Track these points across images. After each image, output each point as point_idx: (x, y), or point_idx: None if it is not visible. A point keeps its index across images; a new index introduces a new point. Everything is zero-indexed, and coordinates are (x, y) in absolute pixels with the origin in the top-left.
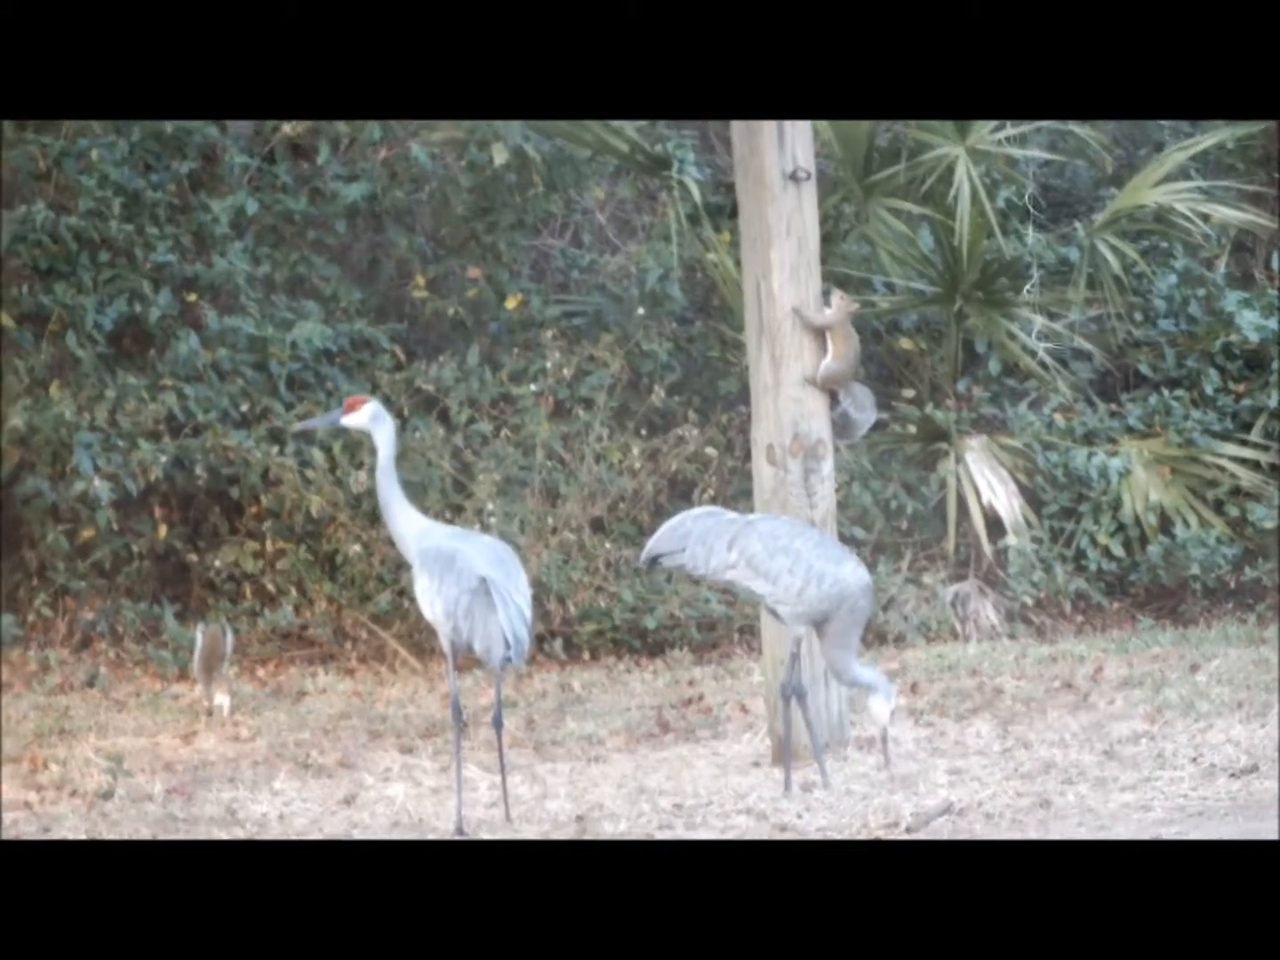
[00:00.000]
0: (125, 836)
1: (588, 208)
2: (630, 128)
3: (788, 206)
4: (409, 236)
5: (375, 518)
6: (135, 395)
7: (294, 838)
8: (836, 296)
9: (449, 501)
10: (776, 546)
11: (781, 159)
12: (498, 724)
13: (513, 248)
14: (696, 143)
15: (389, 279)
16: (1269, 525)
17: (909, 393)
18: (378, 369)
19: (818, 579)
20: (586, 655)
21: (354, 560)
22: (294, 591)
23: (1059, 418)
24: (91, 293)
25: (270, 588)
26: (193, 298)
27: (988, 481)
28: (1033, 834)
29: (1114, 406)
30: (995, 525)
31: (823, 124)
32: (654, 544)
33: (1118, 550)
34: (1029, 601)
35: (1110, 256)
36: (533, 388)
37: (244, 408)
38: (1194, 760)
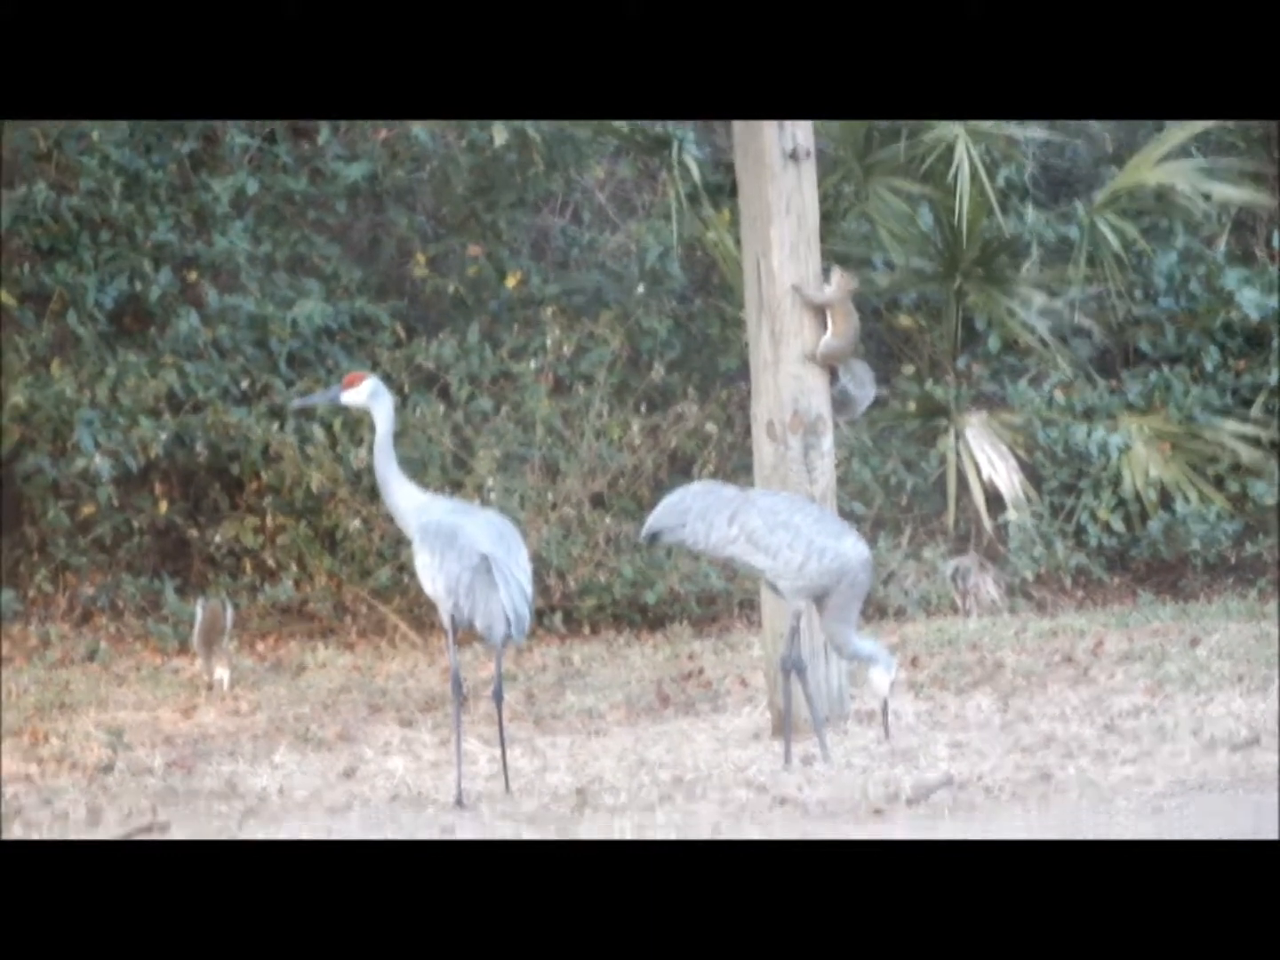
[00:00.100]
0: (126, 810)
1: (588, 186)
2: None
3: (787, 185)
4: (409, 215)
5: (375, 493)
6: (136, 373)
7: (294, 811)
8: (836, 274)
9: (449, 478)
10: (777, 521)
11: (781, 138)
12: (498, 697)
13: (513, 226)
14: (696, 122)
15: (389, 257)
16: (1269, 501)
17: (909, 369)
18: (378, 346)
19: (818, 554)
20: (587, 629)
21: (354, 535)
22: (294, 566)
23: (1059, 394)
24: (92, 271)
25: (270, 563)
26: (193, 276)
27: (988, 457)
28: (1033, 807)
29: (1114, 383)
30: (995, 500)
31: None
32: (654, 519)
33: (1118, 525)
34: (1029, 576)
35: (1110, 235)
36: (533, 364)
37: (244, 385)
38: (1194, 734)
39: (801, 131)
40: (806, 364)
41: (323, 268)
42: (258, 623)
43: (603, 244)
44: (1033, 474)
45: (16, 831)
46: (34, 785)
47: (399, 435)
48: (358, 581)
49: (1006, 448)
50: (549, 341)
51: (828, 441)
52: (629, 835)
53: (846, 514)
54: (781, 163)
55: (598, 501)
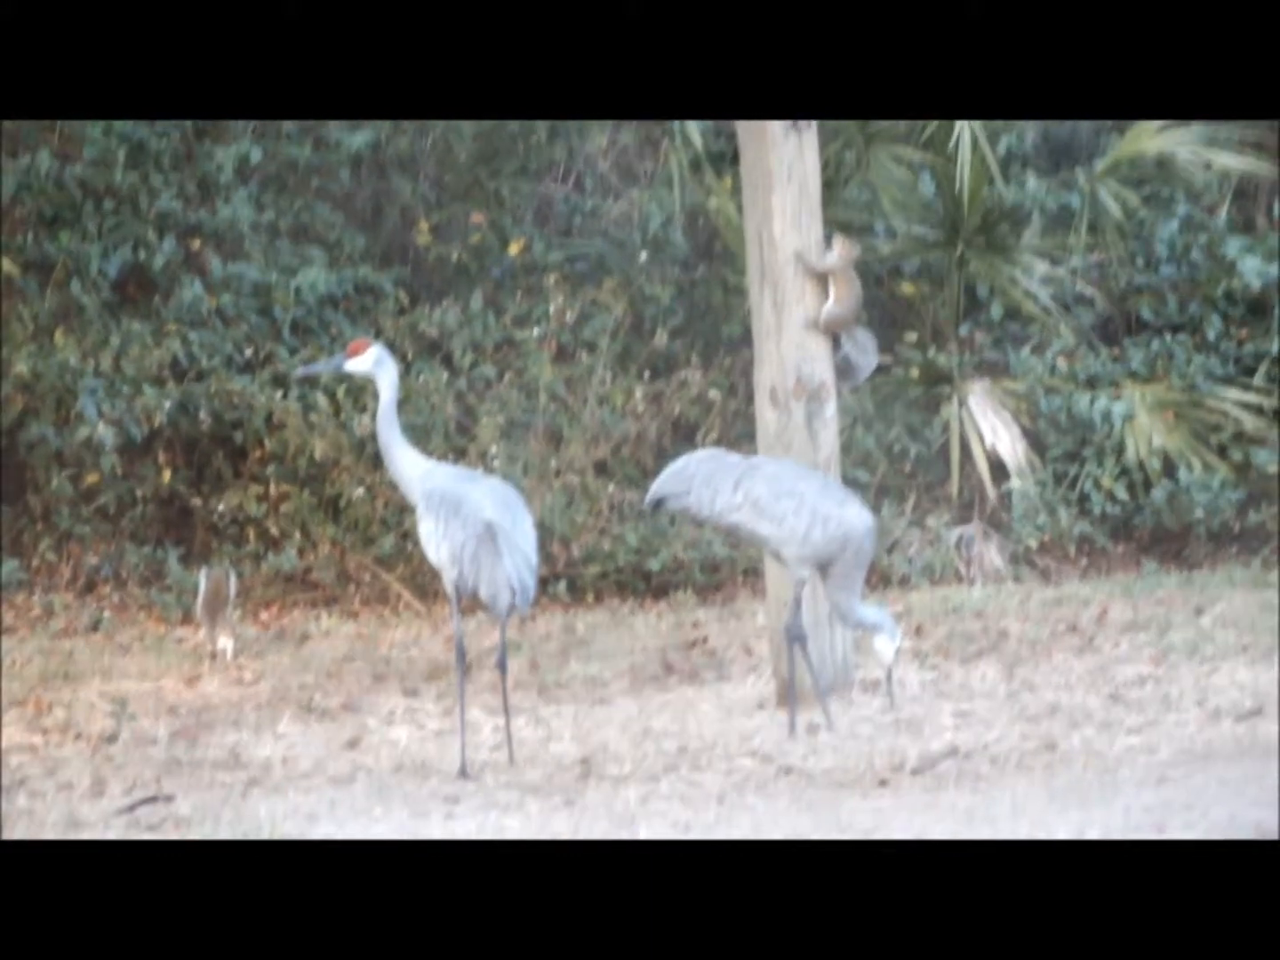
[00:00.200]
0: (130, 780)
1: (590, 154)
2: None
3: (789, 153)
4: (412, 183)
5: (379, 461)
6: (139, 341)
7: (298, 780)
8: (838, 241)
9: (452, 445)
10: (781, 489)
11: None
12: (502, 666)
13: (516, 194)
14: None
15: (393, 225)
16: (1272, 469)
17: (911, 336)
18: (381, 314)
19: (822, 521)
20: (591, 598)
21: (357, 503)
22: (298, 535)
23: (1061, 362)
24: (96, 240)
25: (274, 531)
26: (197, 245)
27: (991, 425)
28: (1039, 777)
29: (1116, 351)
30: (999, 469)
31: None
32: (658, 487)
33: (1122, 494)
34: (1033, 545)
35: (1112, 203)
36: (536, 332)
37: (248, 353)
38: (1199, 703)
39: None
40: (809, 331)
41: (326, 236)
42: (261, 591)
43: (605, 211)
44: (1036, 442)
45: (21, 801)
46: (38, 755)
47: (402, 402)
48: (361, 550)
49: (1010, 415)
50: (552, 309)
51: (831, 408)
52: (633, 805)
53: (850, 481)
54: (783, 131)
55: (601, 468)
